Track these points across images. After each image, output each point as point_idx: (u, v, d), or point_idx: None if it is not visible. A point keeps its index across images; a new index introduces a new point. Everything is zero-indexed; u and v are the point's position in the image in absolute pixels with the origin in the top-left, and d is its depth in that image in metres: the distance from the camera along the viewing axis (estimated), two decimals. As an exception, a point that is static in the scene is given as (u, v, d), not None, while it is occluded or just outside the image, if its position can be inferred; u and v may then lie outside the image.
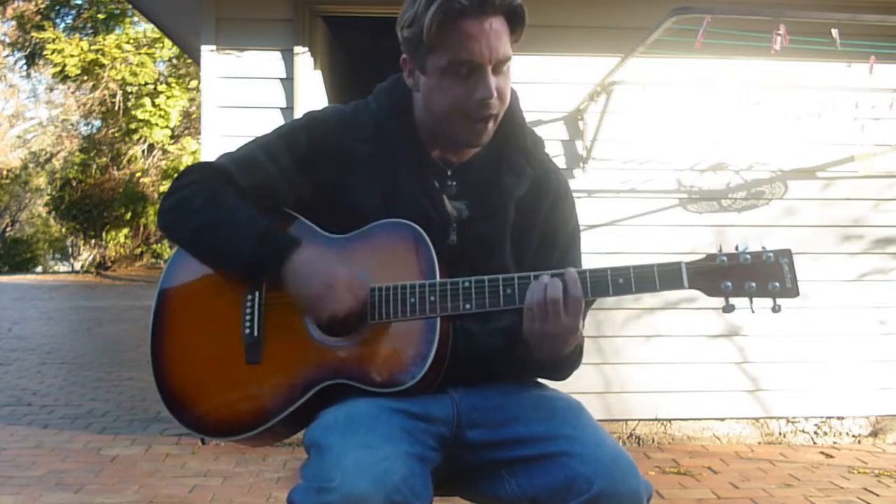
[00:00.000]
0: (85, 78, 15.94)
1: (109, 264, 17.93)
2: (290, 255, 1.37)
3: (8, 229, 24.46)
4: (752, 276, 1.27)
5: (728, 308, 1.29)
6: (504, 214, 1.47)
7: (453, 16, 1.32)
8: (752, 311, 1.29)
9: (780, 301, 1.27)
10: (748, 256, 1.28)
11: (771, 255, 1.28)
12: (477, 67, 1.35)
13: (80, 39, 16.12)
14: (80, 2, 18.38)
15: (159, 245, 18.69)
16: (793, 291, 1.27)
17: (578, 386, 1.50)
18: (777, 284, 1.27)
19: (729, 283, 1.28)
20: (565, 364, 1.45)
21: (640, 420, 4.06)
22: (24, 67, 20.72)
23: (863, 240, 4.15)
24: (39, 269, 23.15)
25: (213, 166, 1.48)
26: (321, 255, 1.38)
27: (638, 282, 1.30)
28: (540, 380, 1.55)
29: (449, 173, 1.47)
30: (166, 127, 15.68)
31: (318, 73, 4.05)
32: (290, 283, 1.37)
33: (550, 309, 1.29)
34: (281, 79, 3.95)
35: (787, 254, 1.28)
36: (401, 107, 1.49)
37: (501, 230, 1.47)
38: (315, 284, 1.35)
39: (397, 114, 1.48)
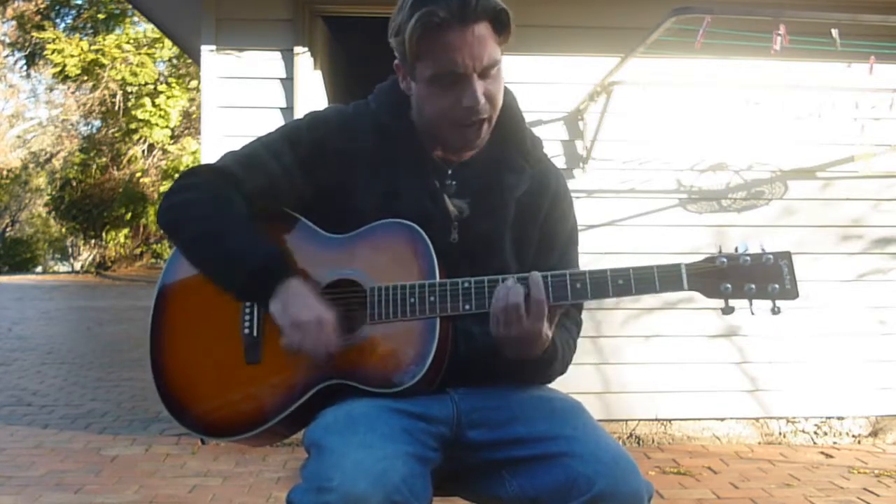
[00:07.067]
0: (85, 78, 15.96)
1: (109, 264, 17.94)
2: (277, 288, 1.34)
3: (8, 229, 24.46)
4: (752, 277, 1.27)
5: (728, 310, 1.28)
6: (504, 212, 1.47)
7: (432, 28, 1.30)
8: (752, 314, 1.29)
9: (779, 303, 1.26)
10: (748, 258, 1.28)
11: (770, 256, 1.27)
12: (461, 78, 1.34)
13: (80, 39, 16.14)
14: (80, 2, 18.40)
15: (159, 245, 18.72)
16: (792, 293, 1.27)
17: (578, 386, 1.49)
18: (776, 286, 1.26)
19: (728, 285, 1.27)
20: (538, 368, 1.42)
21: (640, 420, 4.06)
22: (24, 67, 20.76)
23: (862, 240, 4.15)
24: (39, 269, 23.16)
25: (217, 168, 1.47)
26: (307, 293, 1.35)
27: (638, 283, 1.30)
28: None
29: (449, 172, 1.48)
30: (166, 127, 15.69)
31: (318, 73, 4.05)
32: (275, 314, 1.34)
33: (513, 314, 1.28)
34: (281, 79, 3.95)
35: (787, 255, 1.28)
36: (400, 106, 1.49)
37: (502, 228, 1.47)
38: (292, 319, 1.32)
39: (397, 113, 1.49)
